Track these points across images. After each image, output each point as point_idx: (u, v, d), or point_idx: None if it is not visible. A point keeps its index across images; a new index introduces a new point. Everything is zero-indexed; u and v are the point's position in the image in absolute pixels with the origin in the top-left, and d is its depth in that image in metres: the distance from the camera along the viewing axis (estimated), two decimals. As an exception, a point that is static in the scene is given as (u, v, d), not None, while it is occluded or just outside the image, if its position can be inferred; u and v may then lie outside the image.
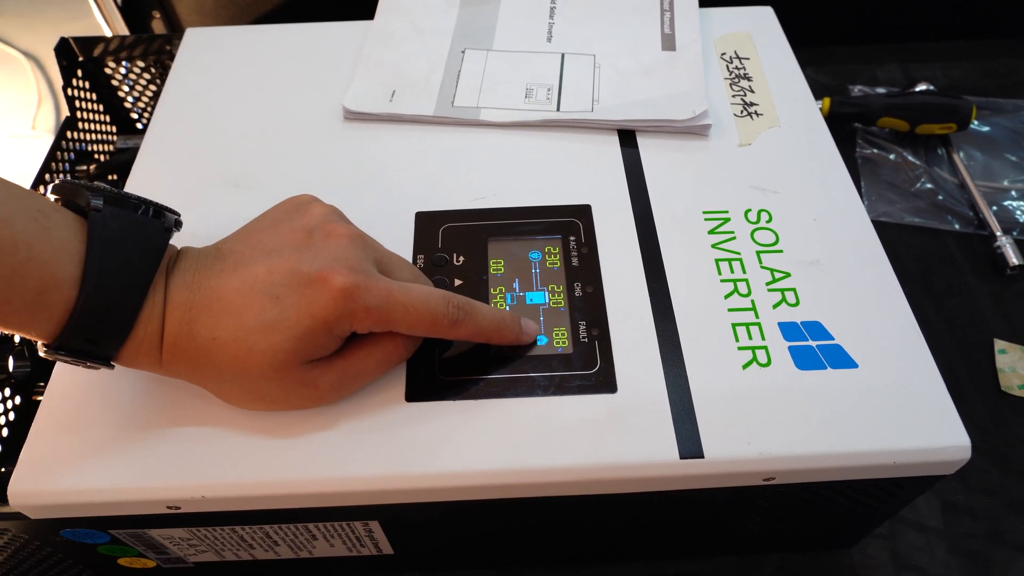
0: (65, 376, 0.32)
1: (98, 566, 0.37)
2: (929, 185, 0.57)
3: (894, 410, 0.30)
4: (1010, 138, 0.59)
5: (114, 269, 0.26)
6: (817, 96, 0.59)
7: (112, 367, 0.28)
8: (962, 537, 0.41)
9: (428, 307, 0.29)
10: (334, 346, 0.29)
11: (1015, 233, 0.53)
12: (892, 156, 0.59)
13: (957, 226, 0.55)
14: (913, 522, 0.41)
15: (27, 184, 0.38)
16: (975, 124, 0.60)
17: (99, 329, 0.26)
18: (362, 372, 0.30)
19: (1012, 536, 0.41)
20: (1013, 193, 0.56)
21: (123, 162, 0.50)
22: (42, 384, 0.41)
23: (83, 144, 0.51)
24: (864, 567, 0.40)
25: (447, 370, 0.32)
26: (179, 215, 0.30)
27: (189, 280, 0.28)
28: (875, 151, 0.59)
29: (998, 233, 0.52)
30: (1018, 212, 0.55)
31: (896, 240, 0.54)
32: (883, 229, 0.55)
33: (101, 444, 0.30)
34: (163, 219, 0.28)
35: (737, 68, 0.45)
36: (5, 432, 0.39)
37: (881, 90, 0.63)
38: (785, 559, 0.40)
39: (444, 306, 0.29)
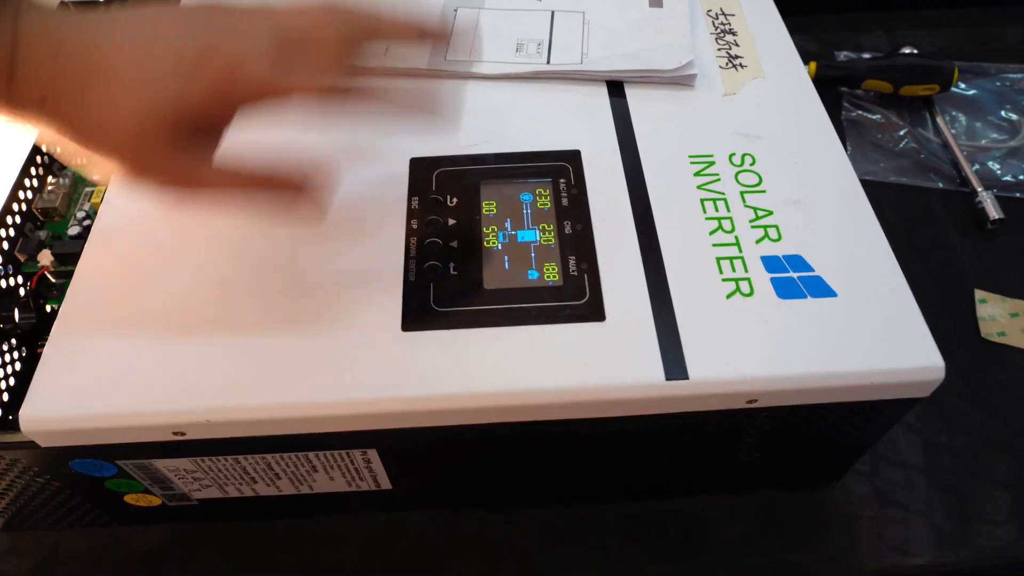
0: (75, 307, 0.33)
1: (106, 504, 0.38)
2: (913, 145, 0.58)
3: (871, 334, 0.32)
4: (992, 100, 0.61)
5: None
6: (803, 62, 0.60)
7: None
8: (943, 473, 0.42)
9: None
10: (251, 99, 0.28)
11: (995, 190, 0.54)
12: (877, 117, 0.60)
13: (940, 184, 0.56)
14: (895, 460, 0.43)
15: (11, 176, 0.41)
16: (959, 87, 0.62)
17: None
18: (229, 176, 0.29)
19: (991, 472, 0.42)
20: (994, 152, 0.57)
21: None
22: (48, 336, 0.42)
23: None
24: (847, 503, 0.41)
25: (441, 301, 0.33)
26: None
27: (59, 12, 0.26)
28: (860, 113, 0.60)
29: (979, 189, 0.54)
30: (998, 169, 0.56)
31: (881, 198, 0.56)
32: (868, 187, 0.55)
33: (109, 372, 0.31)
34: None
35: (722, 24, 0.46)
36: (12, 381, 0.40)
37: (866, 55, 0.64)
38: (770, 496, 0.41)
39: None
